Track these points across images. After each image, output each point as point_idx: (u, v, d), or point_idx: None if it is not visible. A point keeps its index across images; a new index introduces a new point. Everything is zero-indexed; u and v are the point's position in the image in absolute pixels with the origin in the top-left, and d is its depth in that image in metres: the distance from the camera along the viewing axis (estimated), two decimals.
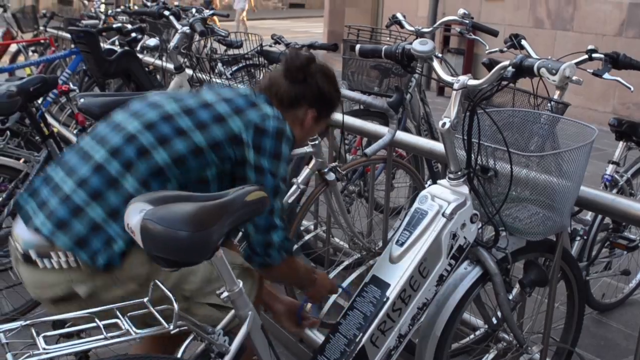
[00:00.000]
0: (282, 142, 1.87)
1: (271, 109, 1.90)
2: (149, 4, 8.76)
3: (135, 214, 1.47)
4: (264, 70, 5.11)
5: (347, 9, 13.35)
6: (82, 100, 2.37)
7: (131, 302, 1.64)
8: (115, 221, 1.69)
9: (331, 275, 2.95)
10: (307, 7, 35.07)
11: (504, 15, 8.98)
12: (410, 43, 2.08)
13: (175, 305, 1.51)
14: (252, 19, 25.30)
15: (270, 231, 1.86)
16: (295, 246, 3.05)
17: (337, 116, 2.84)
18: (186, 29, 3.72)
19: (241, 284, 1.64)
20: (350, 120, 2.92)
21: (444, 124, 1.93)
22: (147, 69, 4.53)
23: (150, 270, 1.73)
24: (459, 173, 1.98)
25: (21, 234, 1.75)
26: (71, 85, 4.28)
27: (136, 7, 6.82)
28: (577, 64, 2.83)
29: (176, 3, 11.83)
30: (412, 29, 3.83)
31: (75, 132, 4.17)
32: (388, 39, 3.95)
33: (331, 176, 2.69)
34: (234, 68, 5.34)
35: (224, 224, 1.51)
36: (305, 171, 2.65)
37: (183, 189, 1.76)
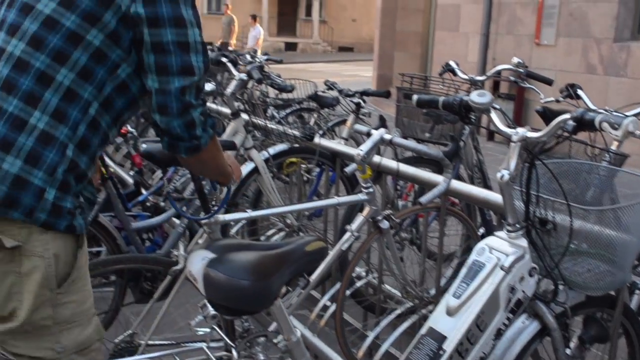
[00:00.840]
0: (179, 4, 1.53)
1: None
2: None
3: (198, 262, 1.51)
4: (315, 115, 5.19)
5: (396, 53, 13.47)
6: (144, 145, 2.44)
7: (189, 347, 1.66)
8: (36, 167, 1.48)
9: (383, 324, 2.93)
10: (355, 51, 35.53)
11: (555, 61, 8.94)
12: (468, 94, 2.09)
13: (235, 353, 1.53)
14: (302, 62, 25.70)
15: (186, 111, 1.56)
16: (348, 292, 3.05)
17: (391, 164, 2.86)
18: (243, 75, 3.81)
19: (299, 334, 1.65)
20: (404, 167, 2.93)
21: (503, 176, 1.92)
22: None
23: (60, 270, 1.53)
24: (518, 225, 1.96)
25: None
26: (129, 128, 4.41)
27: None
28: (636, 115, 2.79)
29: (231, 48, 12.09)
30: (465, 77, 3.85)
31: (131, 173, 4.27)
32: (441, 86, 3.97)
33: (385, 224, 2.69)
34: (287, 111, 5.45)
35: (285, 273, 1.54)
36: (359, 219, 2.65)
37: (107, 107, 1.56)
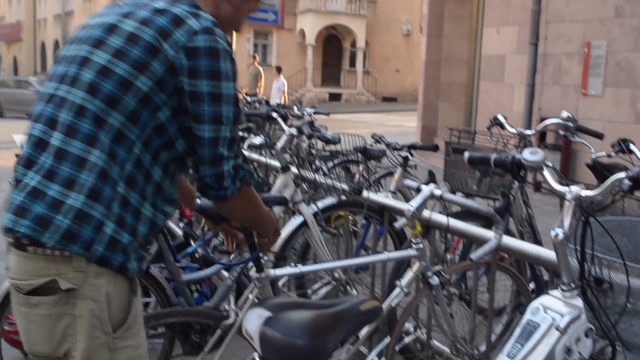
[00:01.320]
0: (219, 58, 1.68)
1: (197, 22, 1.68)
2: (248, 98, 9.19)
3: (254, 320, 1.53)
4: (361, 167, 5.21)
5: (440, 103, 13.51)
6: (198, 201, 2.49)
7: None
8: (96, 201, 1.59)
9: None
10: (399, 101, 35.75)
11: (602, 111, 8.86)
12: (517, 148, 2.10)
13: None
14: (346, 112, 25.93)
15: (218, 162, 1.71)
16: (396, 348, 3.02)
17: (441, 218, 2.86)
18: (294, 131, 3.88)
19: None
20: (454, 222, 2.92)
21: (557, 234, 1.91)
22: (252, 165, 4.73)
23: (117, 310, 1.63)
24: (573, 285, 1.94)
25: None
26: None
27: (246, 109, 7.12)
28: None
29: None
30: (514, 131, 3.84)
31: (181, 225, 4.34)
32: (488, 139, 3.97)
33: (435, 280, 2.68)
34: (334, 162, 5.50)
35: (340, 332, 1.54)
36: (409, 274, 2.65)
37: (147, 146, 1.67)
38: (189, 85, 1.65)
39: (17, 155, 6.53)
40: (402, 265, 3.26)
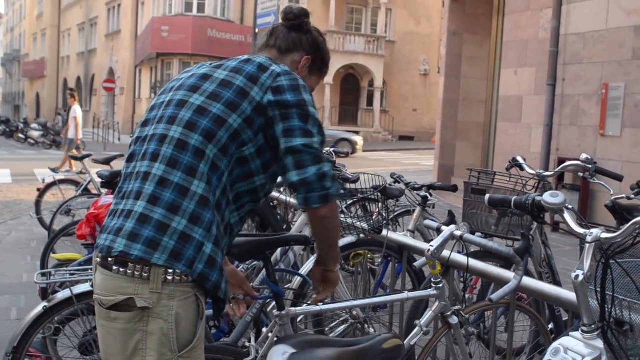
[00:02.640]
0: (301, 91, 1.96)
1: (278, 67, 2.00)
2: None
3: (278, 357, 1.55)
4: (379, 205, 5.24)
5: (458, 143, 13.54)
6: None
7: None
8: (197, 225, 1.79)
9: None
10: (416, 140, 35.82)
11: (620, 152, 8.84)
12: (535, 189, 2.13)
13: None
14: (363, 150, 25.98)
15: (318, 161, 1.91)
16: None
17: (461, 259, 2.88)
18: None
19: None
20: (473, 263, 2.94)
21: (577, 276, 1.92)
22: (271, 203, 4.78)
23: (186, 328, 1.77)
24: (593, 326, 1.95)
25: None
26: None
27: None
28: None
29: None
30: (533, 172, 3.86)
31: None
32: (508, 180, 3.99)
33: (454, 320, 2.69)
34: (349, 202, 5.53)
35: None
36: (429, 314, 2.66)
37: (230, 175, 1.89)
38: (280, 113, 1.91)
39: (38, 189, 6.79)
40: (420, 304, 3.27)
